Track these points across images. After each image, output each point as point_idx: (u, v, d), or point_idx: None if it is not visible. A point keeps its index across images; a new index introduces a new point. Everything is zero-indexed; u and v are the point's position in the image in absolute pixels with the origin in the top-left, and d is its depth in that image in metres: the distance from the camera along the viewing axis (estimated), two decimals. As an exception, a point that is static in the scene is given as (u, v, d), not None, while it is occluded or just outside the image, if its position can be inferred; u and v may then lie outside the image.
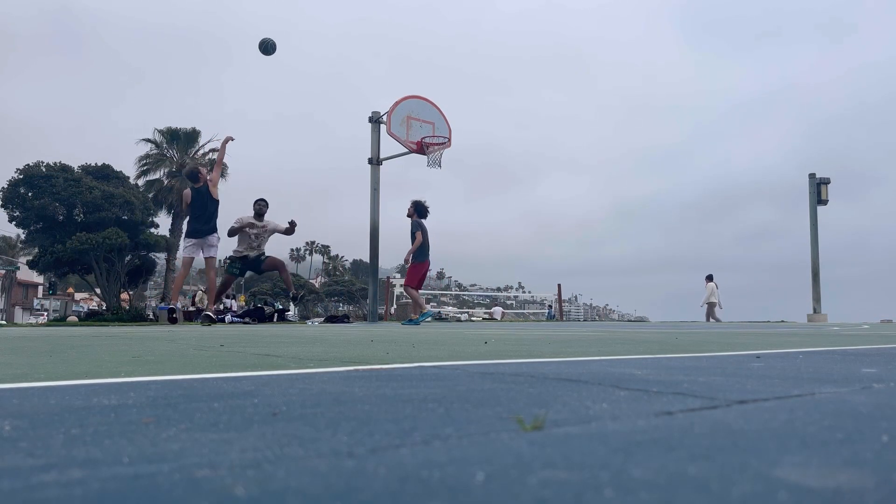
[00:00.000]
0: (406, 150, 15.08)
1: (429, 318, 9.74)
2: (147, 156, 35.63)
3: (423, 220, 10.73)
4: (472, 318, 32.83)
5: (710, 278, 20.66)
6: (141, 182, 33.85)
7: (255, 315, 13.12)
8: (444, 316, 34.69)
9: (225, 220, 10.33)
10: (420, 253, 10.63)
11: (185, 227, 10.17)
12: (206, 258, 9.97)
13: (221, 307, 23.10)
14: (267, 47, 10.60)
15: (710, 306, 20.12)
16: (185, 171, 9.72)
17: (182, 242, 10.03)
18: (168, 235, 31.25)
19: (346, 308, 62.90)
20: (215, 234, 9.86)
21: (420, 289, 11.13)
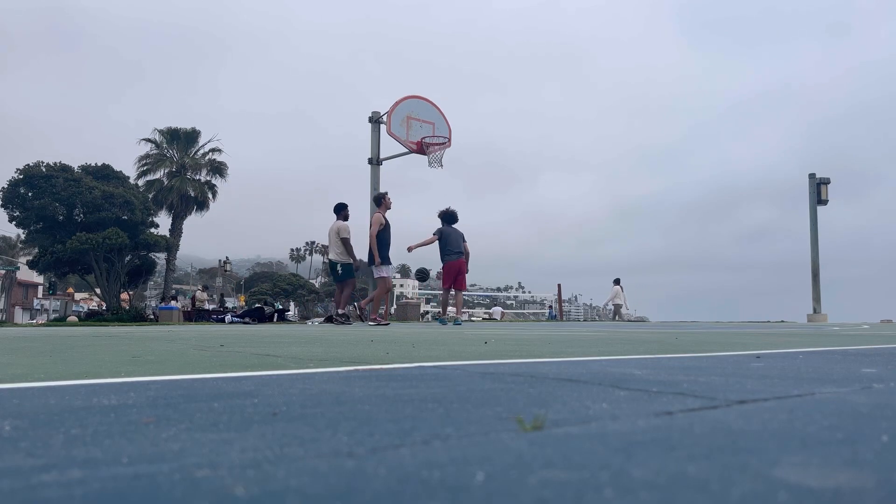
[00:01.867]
0: (406, 150, 15.07)
1: (447, 324, 10.26)
2: (147, 156, 35.59)
3: (446, 225, 11.27)
4: (472, 318, 32.80)
5: (616, 282, 22.54)
6: (141, 182, 33.82)
7: (255, 315, 13.11)
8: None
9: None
10: (442, 255, 11.25)
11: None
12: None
13: (221, 308, 23.14)
14: (423, 276, 12.30)
15: (616, 307, 22.18)
16: (375, 195, 10.86)
17: (388, 269, 10.81)
18: (168, 235, 31.24)
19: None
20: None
21: (451, 287, 11.44)
